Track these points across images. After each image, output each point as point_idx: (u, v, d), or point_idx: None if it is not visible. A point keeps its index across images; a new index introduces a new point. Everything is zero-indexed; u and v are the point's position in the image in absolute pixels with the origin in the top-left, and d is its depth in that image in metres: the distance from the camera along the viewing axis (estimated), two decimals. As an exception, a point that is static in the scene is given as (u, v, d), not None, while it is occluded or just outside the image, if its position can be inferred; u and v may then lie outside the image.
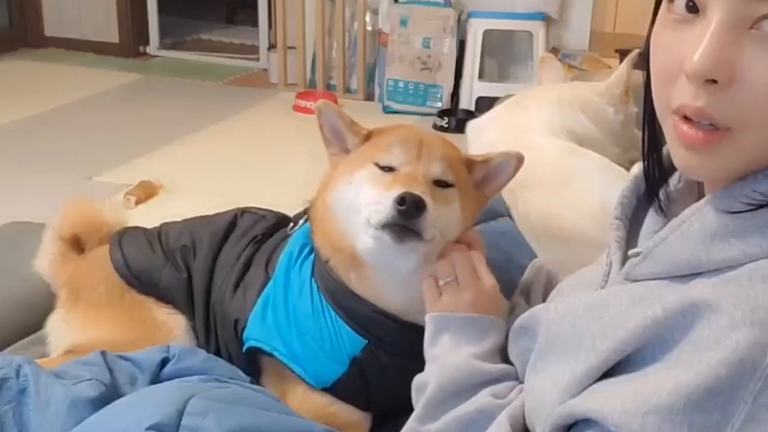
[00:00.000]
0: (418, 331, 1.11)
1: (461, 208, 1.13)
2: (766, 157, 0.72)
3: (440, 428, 0.95)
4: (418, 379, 1.02)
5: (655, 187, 0.88)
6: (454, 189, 1.13)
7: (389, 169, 1.11)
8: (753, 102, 0.69)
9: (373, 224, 1.06)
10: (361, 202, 1.10)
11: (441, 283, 1.08)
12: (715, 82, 0.69)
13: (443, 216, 1.09)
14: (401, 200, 1.03)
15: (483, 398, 0.95)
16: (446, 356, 1.02)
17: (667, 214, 0.88)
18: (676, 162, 0.78)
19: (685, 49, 0.71)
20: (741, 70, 0.69)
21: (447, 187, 1.12)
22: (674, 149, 0.77)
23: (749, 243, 0.72)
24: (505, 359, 1.02)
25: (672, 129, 0.75)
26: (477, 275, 1.08)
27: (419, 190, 1.05)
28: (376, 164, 1.11)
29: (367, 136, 1.18)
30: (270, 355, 1.17)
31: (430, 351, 1.05)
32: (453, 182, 1.13)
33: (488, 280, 1.08)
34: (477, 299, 1.06)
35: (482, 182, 1.19)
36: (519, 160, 1.18)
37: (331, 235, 1.16)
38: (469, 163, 1.18)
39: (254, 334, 1.19)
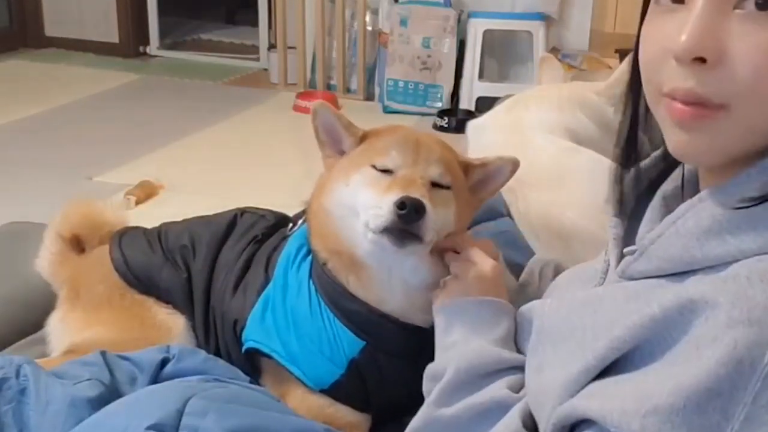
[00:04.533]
0: (416, 332, 1.12)
1: (456, 211, 1.13)
2: (757, 136, 0.73)
3: (454, 414, 0.95)
4: (431, 368, 1.02)
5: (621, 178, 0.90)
6: (450, 191, 1.12)
7: (386, 171, 1.10)
8: (742, 79, 0.70)
9: (372, 228, 1.06)
10: (358, 205, 1.09)
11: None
12: (703, 61, 0.70)
13: (441, 218, 1.09)
14: (401, 204, 1.02)
15: (500, 389, 0.95)
16: (463, 343, 1.02)
17: (625, 209, 0.91)
18: (670, 146, 0.78)
19: (672, 34, 0.72)
20: (728, 48, 0.70)
21: (444, 189, 1.12)
22: (668, 133, 0.77)
23: (744, 239, 0.72)
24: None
25: (664, 111, 0.76)
26: (473, 263, 1.08)
27: (418, 194, 1.05)
28: (373, 166, 1.11)
29: (363, 138, 1.18)
30: (268, 356, 1.17)
31: (444, 340, 1.04)
32: (450, 184, 1.12)
33: (486, 262, 1.08)
34: (480, 280, 1.06)
35: (478, 186, 1.19)
36: (515, 165, 1.18)
37: (329, 239, 1.15)
38: (466, 166, 1.18)
39: (253, 335, 1.19)
